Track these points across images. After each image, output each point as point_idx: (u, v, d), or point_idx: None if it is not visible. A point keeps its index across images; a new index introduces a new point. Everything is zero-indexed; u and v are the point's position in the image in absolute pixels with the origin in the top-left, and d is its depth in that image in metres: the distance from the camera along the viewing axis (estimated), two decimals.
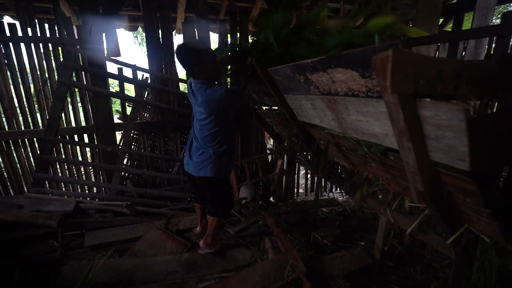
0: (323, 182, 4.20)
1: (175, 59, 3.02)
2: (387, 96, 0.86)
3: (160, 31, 2.91)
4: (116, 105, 6.96)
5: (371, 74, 1.02)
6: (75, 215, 2.47)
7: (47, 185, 2.77)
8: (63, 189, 2.90)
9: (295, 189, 3.95)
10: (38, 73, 2.61)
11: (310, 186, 4.12)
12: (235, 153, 1.91)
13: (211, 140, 1.77)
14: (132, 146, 3.05)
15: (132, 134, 3.03)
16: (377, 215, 3.32)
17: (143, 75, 2.91)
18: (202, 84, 1.69)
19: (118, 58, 2.68)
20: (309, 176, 4.09)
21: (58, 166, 2.85)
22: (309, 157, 3.36)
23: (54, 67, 2.66)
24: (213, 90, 1.65)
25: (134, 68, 2.75)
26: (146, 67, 2.86)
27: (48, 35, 2.56)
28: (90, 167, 3.03)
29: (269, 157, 3.69)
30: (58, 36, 2.56)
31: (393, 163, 1.39)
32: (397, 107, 0.85)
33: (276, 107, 2.68)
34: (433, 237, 1.78)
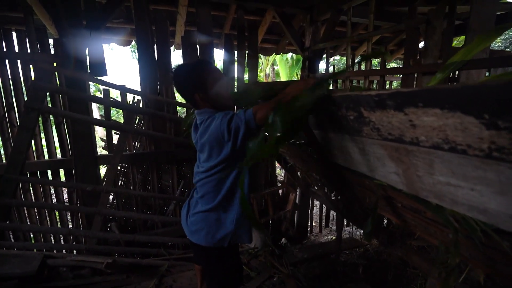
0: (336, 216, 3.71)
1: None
2: None
3: (155, 47, 2.47)
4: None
5: None
6: (39, 277, 1.92)
7: (11, 235, 2.23)
8: (32, 238, 2.35)
9: (308, 223, 3.44)
10: (3, 95, 2.13)
11: (324, 221, 3.61)
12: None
13: (210, 191, 1.25)
14: (119, 181, 2.54)
15: (119, 167, 2.52)
16: (405, 260, 2.85)
17: (134, 98, 2.44)
18: (206, 113, 1.20)
19: (104, 78, 2.22)
20: (324, 209, 3.60)
21: (25, 210, 2.31)
22: (326, 189, 2.90)
23: (24, 89, 2.18)
24: (212, 118, 1.15)
25: (123, 90, 2.29)
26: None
27: (16, 49, 2.10)
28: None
29: (279, 191, 3.20)
30: (29, 51, 2.11)
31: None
32: None
33: None
34: None
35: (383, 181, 1.35)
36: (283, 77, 8.15)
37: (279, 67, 8.23)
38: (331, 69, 10.57)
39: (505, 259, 1.03)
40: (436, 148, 0.81)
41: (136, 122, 2.50)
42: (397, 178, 1.18)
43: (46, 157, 2.33)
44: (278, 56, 7.69)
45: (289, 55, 7.79)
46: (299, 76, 8.64)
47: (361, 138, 1.15)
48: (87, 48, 2.13)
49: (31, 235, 2.34)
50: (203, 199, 1.28)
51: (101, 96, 2.27)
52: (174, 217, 2.63)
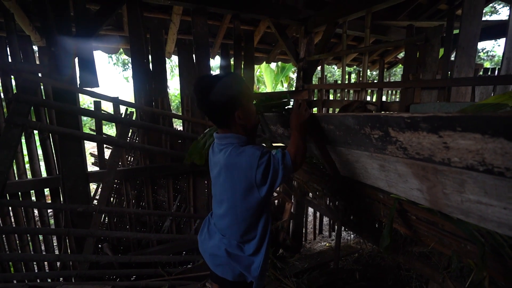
0: (327, 222, 3.77)
1: (168, 90, 2.47)
2: None
3: (150, 56, 2.36)
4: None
5: None
6: None
7: None
8: (11, 268, 2.10)
9: (303, 231, 3.45)
10: None
11: (318, 227, 3.65)
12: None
13: (233, 231, 1.15)
14: (112, 198, 2.37)
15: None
16: (399, 263, 2.96)
17: (126, 110, 2.31)
18: (231, 138, 1.08)
19: (95, 90, 2.07)
20: (317, 216, 3.64)
21: (4, 235, 2.07)
22: (326, 199, 2.93)
23: (4, 102, 1.97)
24: (239, 152, 1.03)
25: (116, 102, 2.15)
26: (129, 96, 2.27)
27: None
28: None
29: (275, 201, 3.18)
30: (10, 60, 1.91)
31: None
32: None
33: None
34: None
35: (401, 196, 1.38)
36: (268, 85, 8.20)
37: (264, 75, 8.26)
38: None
39: None
40: (469, 169, 0.84)
41: (130, 136, 2.36)
42: (419, 194, 1.21)
43: (29, 175, 2.11)
44: (263, 64, 7.73)
45: (273, 64, 7.88)
46: (284, 85, 8.76)
47: (383, 156, 1.17)
48: (76, 57, 1.98)
49: (10, 265, 2.10)
50: (228, 239, 1.17)
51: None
52: (170, 234, 2.51)
